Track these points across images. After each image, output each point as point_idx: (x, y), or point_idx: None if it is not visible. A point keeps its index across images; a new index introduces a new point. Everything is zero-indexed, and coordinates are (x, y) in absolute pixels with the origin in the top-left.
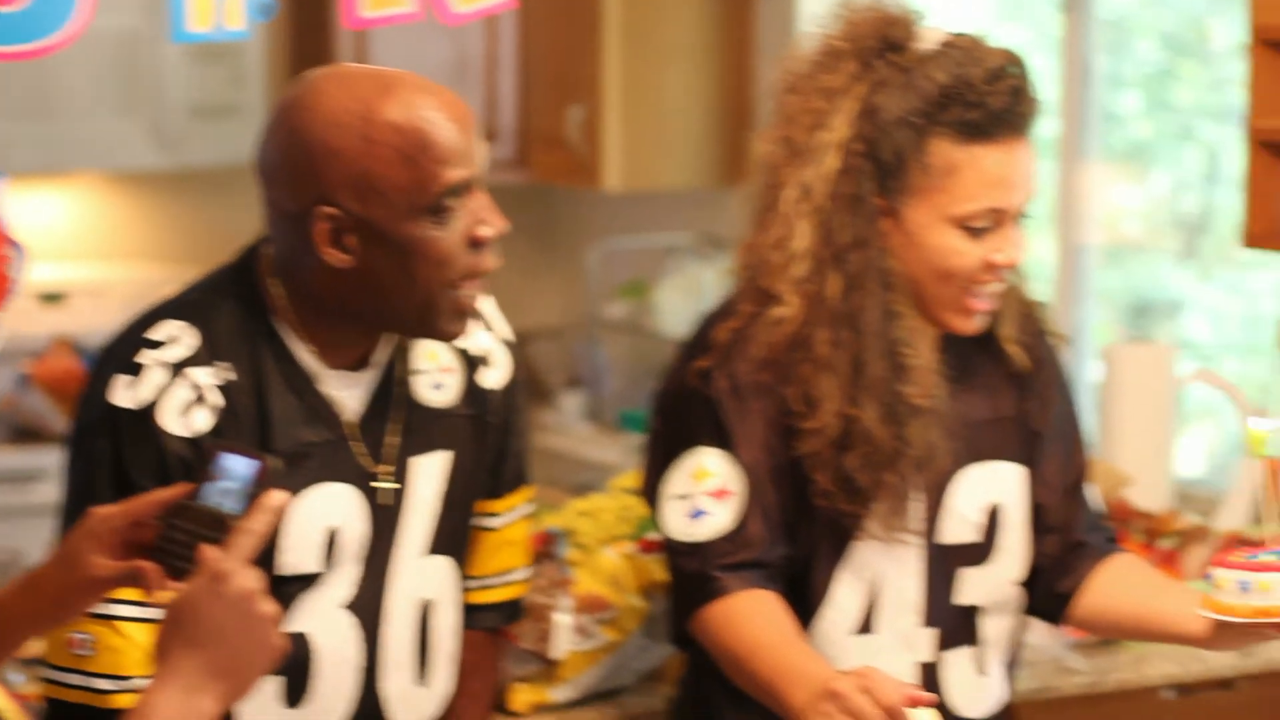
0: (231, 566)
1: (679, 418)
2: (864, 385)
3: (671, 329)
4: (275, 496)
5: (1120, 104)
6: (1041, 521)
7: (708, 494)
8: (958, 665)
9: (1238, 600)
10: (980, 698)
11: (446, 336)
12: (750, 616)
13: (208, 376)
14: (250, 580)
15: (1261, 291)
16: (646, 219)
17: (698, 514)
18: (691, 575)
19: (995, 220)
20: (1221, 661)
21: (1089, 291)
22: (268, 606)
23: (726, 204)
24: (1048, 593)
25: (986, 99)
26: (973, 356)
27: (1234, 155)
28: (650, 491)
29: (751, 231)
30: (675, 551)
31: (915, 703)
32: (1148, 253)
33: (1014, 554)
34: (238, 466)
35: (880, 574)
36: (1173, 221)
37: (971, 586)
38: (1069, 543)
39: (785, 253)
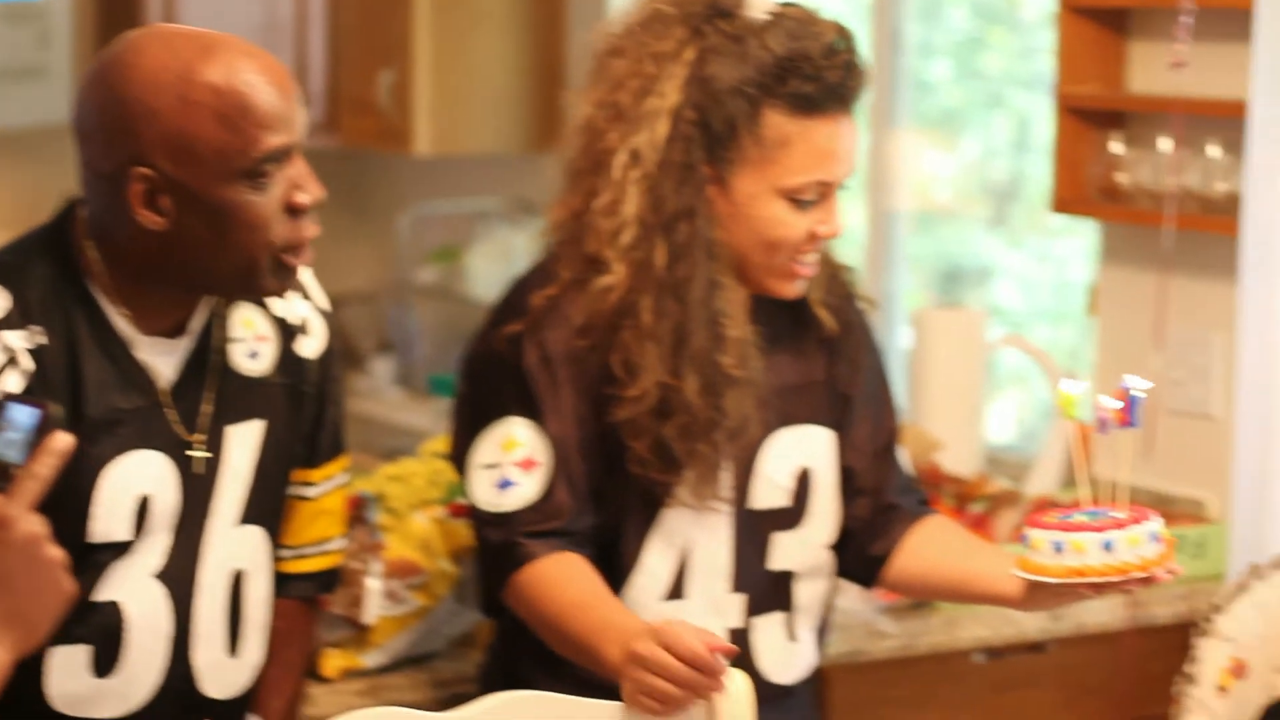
0: (15, 513)
1: (488, 384)
2: (686, 355)
3: (483, 294)
4: (59, 439)
5: (931, 72)
6: (852, 485)
7: (515, 464)
8: (768, 631)
9: (1052, 561)
10: (790, 663)
11: (270, 292)
12: (560, 579)
13: (19, 340)
14: (35, 525)
15: (1069, 258)
16: (457, 184)
17: (505, 484)
18: (499, 544)
19: (821, 192)
20: (1032, 624)
21: (899, 257)
22: (54, 551)
23: (538, 169)
24: (860, 556)
25: (823, 73)
26: (782, 321)
27: (1043, 123)
28: (458, 458)
29: (567, 196)
30: (482, 521)
31: (714, 651)
32: (958, 219)
33: (824, 518)
34: (20, 416)
35: (690, 540)
36: (982, 188)
37: (783, 551)
38: (880, 505)
39: (615, 219)
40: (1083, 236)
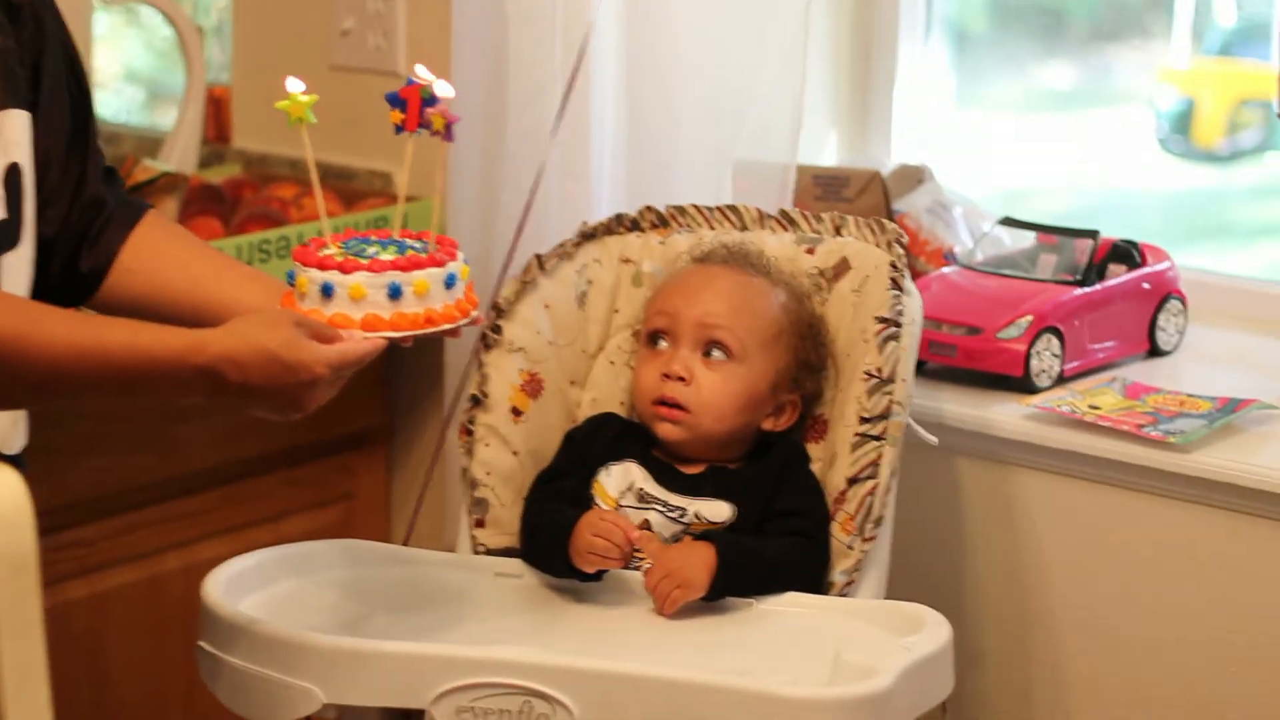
0: None
1: None
2: None
3: None
4: None
5: None
6: (47, 177)
7: None
8: None
9: (392, 311)
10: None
11: None
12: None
13: None
14: None
15: None
16: None
17: None
18: None
19: None
20: None
21: None
22: None
23: None
24: (71, 274)
25: None
26: None
27: None
28: None
29: None
30: None
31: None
32: None
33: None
34: None
35: None
36: None
37: (11, 278)
38: (86, 201)
39: None
40: None
